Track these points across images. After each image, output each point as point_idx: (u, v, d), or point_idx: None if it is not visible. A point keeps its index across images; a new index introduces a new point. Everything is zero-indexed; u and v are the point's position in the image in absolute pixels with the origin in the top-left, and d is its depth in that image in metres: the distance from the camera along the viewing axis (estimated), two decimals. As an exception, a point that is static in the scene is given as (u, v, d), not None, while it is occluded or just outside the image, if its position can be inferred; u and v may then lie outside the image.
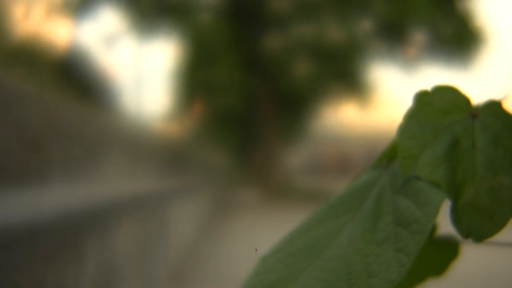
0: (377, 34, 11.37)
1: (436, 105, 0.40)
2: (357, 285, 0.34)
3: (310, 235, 0.37)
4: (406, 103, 0.41)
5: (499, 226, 0.37)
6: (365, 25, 11.64)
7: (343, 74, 17.15)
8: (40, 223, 1.16)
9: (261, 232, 6.41)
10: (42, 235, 1.17)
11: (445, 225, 0.40)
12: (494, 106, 0.40)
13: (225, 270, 4.05)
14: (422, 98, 0.41)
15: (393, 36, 11.45)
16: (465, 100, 0.42)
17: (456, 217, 0.38)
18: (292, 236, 0.38)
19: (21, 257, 1.06)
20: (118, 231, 1.95)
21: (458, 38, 11.23)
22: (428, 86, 0.42)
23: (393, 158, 0.41)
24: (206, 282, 3.69)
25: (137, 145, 6.95)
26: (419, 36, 11.76)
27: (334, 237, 0.36)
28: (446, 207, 0.38)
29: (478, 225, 0.37)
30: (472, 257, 4.52)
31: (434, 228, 0.39)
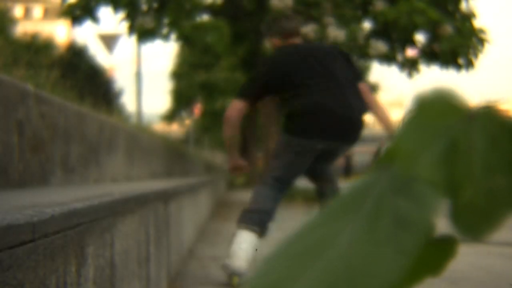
0: (377, 34, 11.37)
1: (435, 107, 0.41)
2: (357, 286, 0.34)
3: (311, 236, 0.37)
4: (406, 104, 0.42)
5: (496, 225, 0.38)
6: (366, 25, 11.64)
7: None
8: (42, 222, 1.16)
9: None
10: (44, 234, 1.17)
11: (443, 225, 0.41)
12: (492, 107, 0.41)
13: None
14: (421, 100, 0.41)
15: (394, 37, 11.45)
16: (463, 102, 0.42)
17: (455, 217, 0.38)
18: (292, 238, 0.38)
19: (23, 256, 1.06)
20: (119, 231, 1.95)
21: (458, 39, 11.23)
22: (427, 87, 0.43)
23: (393, 159, 0.41)
24: (206, 282, 3.70)
25: (137, 145, 6.96)
26: (419, 37, 11.77)
27: (335, 238, 0.37)
28: (444, 207, 0.39)
29: (476, 225, 0.38)
30: (470, 256, 4.49)
31: (432, 228, 0.40)
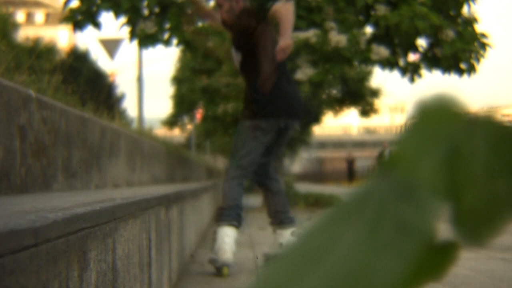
0: (379, 39, 11.37)
1: (437, 112, 0.41)
2: (358, 290, 0.34)
3: (313, 241, 0.37)
4: (408, 109, 0.42)
5: (497, 230, 0.38)
6: (367, 30, 11.65)
7: (345, 79, 17.12)
8: (44, 227, 1.16)
9: (264, 238, 6.41)
10: (46, 239, 1.17)
11: (444, 230, 0.41)
12: (493, 113, 0.41)
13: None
14: (422, 105, 0.42)
15: (396, 42, 11.45)
16: (465, 107, 0.42)
17: (456, 222, 0.38)
18: (294, 242, 0.38)
19: (26, 261, 1.06)
20: (120, 236, 1.95)
21: (460, 43, 11.23)
22: (429, 92, 0.43)
23: (395, 164, 0.42)
24: (207, 287, 3.69)
25: (139, 150, 6.96)
26: (421, 41, 11.77)
27: (336, 243, 0.37)
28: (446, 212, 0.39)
29: (477, 230, 0.38)
30: (471, 260, 4.48)
31: (434, 233, 0.40)
